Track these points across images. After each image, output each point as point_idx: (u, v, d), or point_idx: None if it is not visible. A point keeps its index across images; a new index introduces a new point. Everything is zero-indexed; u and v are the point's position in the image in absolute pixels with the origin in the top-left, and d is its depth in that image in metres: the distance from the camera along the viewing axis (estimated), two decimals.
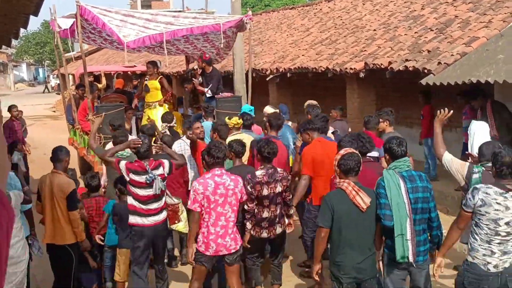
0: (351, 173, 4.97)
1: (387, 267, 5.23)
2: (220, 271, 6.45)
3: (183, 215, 6.63)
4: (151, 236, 6.22)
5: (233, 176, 5.84)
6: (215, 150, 5.81)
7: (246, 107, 9.23)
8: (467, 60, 9.14)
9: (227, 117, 8.33)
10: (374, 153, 6.75)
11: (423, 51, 10.20)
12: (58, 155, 6.26)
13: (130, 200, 6.28)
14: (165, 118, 9.62)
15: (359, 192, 4.88)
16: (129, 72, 16.09)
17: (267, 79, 14.40)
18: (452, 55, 9.52)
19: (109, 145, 8.15)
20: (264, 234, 6.27)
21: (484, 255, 4.59)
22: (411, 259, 4.99)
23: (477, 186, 4.62)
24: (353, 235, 4.93)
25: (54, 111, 32.60)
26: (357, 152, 5.21)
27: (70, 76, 20.60)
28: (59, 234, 6.14)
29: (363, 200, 4.87)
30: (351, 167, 4.95)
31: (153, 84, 11.48)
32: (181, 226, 6.65)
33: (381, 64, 10.63)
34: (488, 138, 6.14)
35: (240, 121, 8.10)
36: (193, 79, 11.47)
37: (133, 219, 6.23)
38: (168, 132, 9.05)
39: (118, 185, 6.72)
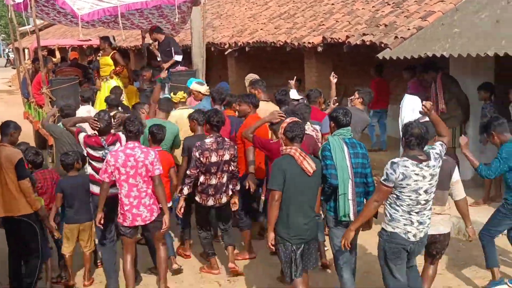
0: (296, 140, 5.31)
1: (333, 229, 5.62)
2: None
3: None
4: (111, 206, 6.24)
5: (145, 149, 6.06)
6: (129, 124, 6.04)
7: (192, 80, 9.24)
8: (423, 34, 9.23)
9: (172, 93, 8.59)
10: (316, 126, 7.21)
11: (380, 25, 10.26)
12: (3, 129, 6.24)
13: (90, 170, 6.55)
14: (114, 91, 9.89)
15: (306, 158, 5.22)
16: (84, 46, 15.86)
17: (226, 53, 14.29)
18: (408, 29, 9.60)
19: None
20: (210, 202, 6.59)
21: (405, 224, 4.90)
22: (352, 217, 5.41)
23: (395, 160, 4.84)
24: (301, 198, 5.25)
25: (10, 86, 31.76)
26: (301, 121, 5.55)
27: (26, 50, 20.06)
28: (14, 205, 6.05)
29: (310, 165, 5.20)
30: (297, 134, 5.29)
31: (105, 60, 11.53)
32: None
33: (339, 38, 10.64)
34: (417, 114, 6.28)
35: (184, 95, 8.38)
36: (154, 50, 11.46)
37: (95, 189, 6.42)
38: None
39: (63, 161, 6.69)
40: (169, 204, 6.58)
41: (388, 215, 4.96)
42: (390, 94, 11.83)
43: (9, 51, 53.97)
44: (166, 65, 11.05)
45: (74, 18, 10.89)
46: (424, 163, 4.80)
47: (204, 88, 8.78)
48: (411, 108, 6.92)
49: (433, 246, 5.47)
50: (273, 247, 5.37)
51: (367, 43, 9.94)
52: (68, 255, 6.75)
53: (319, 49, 11.23)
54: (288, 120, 5.47)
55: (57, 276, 6.90)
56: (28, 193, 6.02)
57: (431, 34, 9.09)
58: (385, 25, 10.15)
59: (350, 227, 5.12)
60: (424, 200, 4.87)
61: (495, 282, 6.16)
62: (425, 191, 4.84)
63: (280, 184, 5.18)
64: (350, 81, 12.75)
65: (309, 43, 11.30)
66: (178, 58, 11.18)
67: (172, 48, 11.18)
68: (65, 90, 10.46)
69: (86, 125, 6.91)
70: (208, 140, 6.50)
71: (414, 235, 4.93)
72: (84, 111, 9.05)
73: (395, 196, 4.87)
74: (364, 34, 10.21)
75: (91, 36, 17.91)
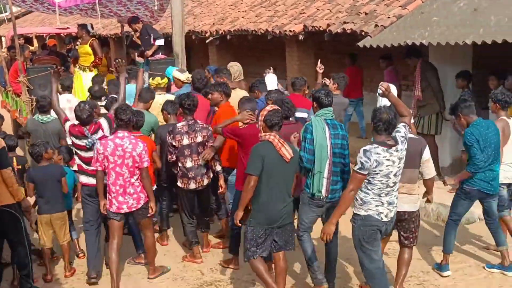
0: (275, 128, 5.44)
1: (304, 206, 5.82)
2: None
3: None
4: (96, 193, 6.41)
5: (133, 140, 6.15)
6: (120, 113, 6.14)
7: (171, 69, 9.38)
8: (403, 23, 9.30)
9: (150, 78, 8.77)
10: (303, 114, 7.38)
11: (361, 13, 10.30)
12: None
13: (77, 160, 6.66)
14: (95, 80, 9.87)
15: (284, 144, 5.38)
16: (62, 34, 15.68)
17: (207, 41, 14.24)
18: (388, 17, 9.66)
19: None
20: (192, 185, 6.70)
21: (376, 206, 5.05)
22: (324, 193, 5.64)
23: (366, 148, 4.93)
24: (277, 184, 5.39)
25: None
26: (280, 109, 5.67)
27: (3, 38, 19.85)
28: None
29: (288, 151, 5.37)
30: (276, 122, 5.42)
31: (84, 49, 11.47)
32: None
33: (320, 26, 10.67)
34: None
35: (163, 81, 8.54)
36: (136, 40, 11.43)
37: (83, 179, 6.57)
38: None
39: (31, 152, 6.71)
40: (154, 187, 6.68)
41: (359, 199, 5.07)
42: (363, 82, 11.92)
43: None
44: (149, 52, 11.01)
45: (51, 5, 10.86)
46: (393, 148, 4.94)
47: (184, 76, 8.82)
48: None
49: (400, 225, 5.63)
50: (239, 224, 5.57)
51: (348, 31, 9.99)
52: (45, 248, 6.68)
53: (300, 37, 11.24)
54: (269, 108, 5.56)
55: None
56: (11, 182, 5.85)
57: (410, 22, 9.16)
58: (366, 14, 10.20)
59: (330, 220, 5.11)
60: (392, 182, 5.04)
61: (446, 266, 6.35)
62: (395, 174, 5.02)
63: (258, 169, 5.30)
64: (331, 70, 12.77)
65: (290, 31, 11.32)
66: (160, 42, 11.11)
67: (152, 35, 11.12)
68: (42, 79, 10.27)
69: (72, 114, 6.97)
70: (179, 124, 6.70)
71: (386, 215, 5.08)
72: (64, 99, 9.01)
73: (366, 181, 4.99)
74: (344, 23, 10.24)
75: (69, 24, 17.74)
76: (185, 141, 6.63)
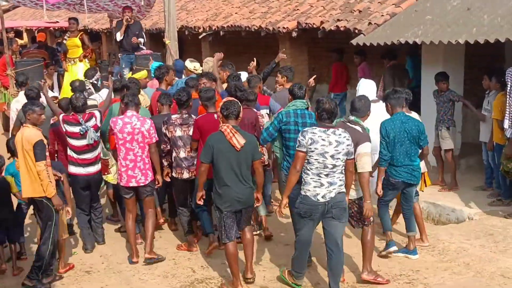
0: (230, 118, 5.90)
1: (284, 183, 6.22)
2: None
3: (113, 169, 7.33)
4: (87, 184, 7.08)
5: (141, 118, 6.80)
6: (127, 95, 7.01)
7: (155, 64, 9.60)
8: (397, 21, 9.32)
9: (130, 72, 9.27)
10: (265, 110, 7.74)
11: (355, 11, 10.30)
12: (25, 108, 6.23)
13: (68, 151, 7.05)
14: (87, 74, 9.91)
15: (235, 134, 5.80)
16: (52, 28, 15.74)
17: (200, 37, 14.19)
18: (382, 15, 9.67)
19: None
20: (186, 175, 6.95)
21: (315, 187, 5.50)
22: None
23: (305, 128, 5.62)
24: (231, 170, 5.82)
25: None
26: (236, 100, 6.19)
27: None
28: (36, 187, 6.03)
29: (238, 141, 5.78)
30: (231, 112, 5.87)
31: (74, 41, 11.65)
32: (110, 177, 7.40)
33: (313, 23, 10.67)
34: (371, 96, 6.79)
35: (142, 74, 9.04)
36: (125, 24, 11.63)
37: (72, 169, 7.00)
38: (91, 88, 9.36)
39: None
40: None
41: (302, 180, 5.58)
42: (349, 78, 12.03)
43: None
44: (137, 40, 11.46)
45: (39, 0, 11.10)
46: (331, 130, 5.47)
47: (191, 65, 9.07)
48: (365, 91, 7.02)
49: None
50: (201, 203, 6.21)
51: (341, 28, 9.99)
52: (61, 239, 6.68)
53: (294, 34, 11.24)
54: (225, 99, 6.14)
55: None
56: (42, 176, 5.95)
57: (404, 20, 9.17)
58: (359, 11, 10.20)
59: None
60: (331, 164, 5.45)
61: (391, 242, 6.74)
62: (331, 156, 5.43)
63: (207, 157, 5.87)
64: (323, 67, 12.81)
65: (283, 28, 11.31)
66: (142, 41, 11.70)
67: (142, 32, 11.65)
68: (30, 72, 10.51)
69: None
70: (174, 116, 7.00)
71: (323, 196, 5.49)
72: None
73: (306, 160, 5.49)
74: (338, 20, 10.25)
75: (60, 18, 17.68)
76: (178, 132, 6.90)
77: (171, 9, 12.02)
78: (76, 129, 6.86)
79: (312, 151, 5.40)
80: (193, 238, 7.18)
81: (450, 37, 7.86)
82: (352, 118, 5.96)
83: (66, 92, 10.12)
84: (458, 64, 9.10)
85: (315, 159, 5.42)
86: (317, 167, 5.44)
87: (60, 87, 11.91)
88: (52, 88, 10.77)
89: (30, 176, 6.02)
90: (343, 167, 5.54)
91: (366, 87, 7.25)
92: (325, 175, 5.45)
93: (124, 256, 7.07)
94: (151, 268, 6.76)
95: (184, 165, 6.92)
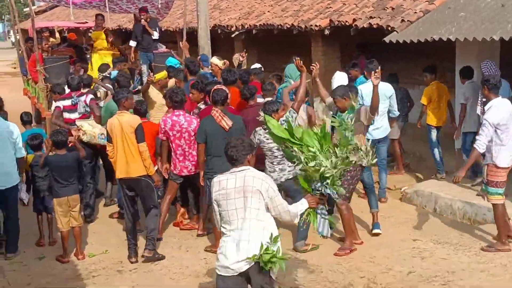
0: (218, 103, 7.01)
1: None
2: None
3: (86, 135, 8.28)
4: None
5: (188, 118, 7.42)
6: (173, 96, 7.43)
7: (171, 60, 10.18)
8: (430, 18, 9.19)
9: (151, 73, 9.76)
10: (261, 100, 8.05)
11: (387, 8, 10.21)
12: (118, 96, 6.95)
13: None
14: (100, 68, 11.10)
15: (224, 117, 6.88)
16: (80, 28, 16.55)
17: (232, 35, 14.23)
18: (415, 12, 9.55)
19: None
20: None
21: (269, 171, 6.75)
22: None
23: (256, 129, 6.84)
24: (219, 147, 6.26)
25: (15, 67, 31.71)
26: (224, 88, 7.33)
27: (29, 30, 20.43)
28: (134, 167, 6.76)
29: (226, 122, 6.85)
30: (218, 99, 7.00)
31: (98, 34, 12.66)
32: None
33: (346, 21, 10.60)
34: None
35: (163, 74, 9.47)
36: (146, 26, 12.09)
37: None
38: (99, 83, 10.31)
39: (52, 138, 7.25)
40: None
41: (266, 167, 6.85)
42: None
43: (12, 33, 54.06)
44: (152, 31, 11.91)
45: (67, 3, 12.34)
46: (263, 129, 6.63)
47: (221, 62, 9.41)
48: (339, 82, 8.10)
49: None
50: (203, 183, 7.07)
51: (374, 26, 9.91)
52: (64, 231, 7.13)
53: (326, 32, 11.19)
54: (215, 87, 7.22)
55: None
56: (145, 156, 6.77)
57: (437, 17, 9.04)
58: (392, 8, 10.10)
59: None
60: (280, 155, 6.70)
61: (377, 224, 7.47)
62: (277, 149, 6.57)
63: (202, 138, 6.94)
64: None
65: (316, 26, 11.26)
66: (155, 36, 12.12)
67: (157, 28, 12.27)
68: (57, 68, 11.56)
69: None
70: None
71: (276, 179, 6.57)
72: None
73: (264, 153, 6.85)
74: (371, 17, 10.16)
75: (91, 18, 18.12)
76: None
77: (204, 8, 12.12)
78: (68, 102, 8.66)
79: (265, 147, 6.81)
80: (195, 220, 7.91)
81: (485, 34, 7.72)
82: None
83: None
84: (493, 61, 8.90)
85: (266, 153, 6.87)
86: (270, 158, 6.86)
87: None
88: None
89: (128, 158, 6.73)
90: None
91: (340, 78, 8.51)
92: (277, 163, 6.85)
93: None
94: (182, 267, 6.84)
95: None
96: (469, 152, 7.73)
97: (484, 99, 7.51)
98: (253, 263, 4.41)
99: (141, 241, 7.18)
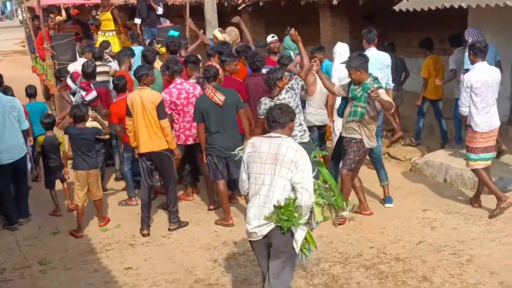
0: (211, 79, 7.11)
1: None
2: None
3: None
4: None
5: (191, 83, 7.63)
6: (171, 64, 7.64)
7: (172, 32, 10.32)
8: None
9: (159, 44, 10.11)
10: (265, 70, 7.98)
11: None
12: (139, 72, 6.90)
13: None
14: (102, 44, 10.84)
15: (216, 93, 6.94)
16: (87, 5, 16.51)
17: (239, 8, 14.08)
18: None
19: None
20: (190, 141, 7.68)
21: None
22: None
23: (260, 100, 6.74)
24: (216, 123, 6.95)
25: (24, 46, 31.63)
26: (216, 65, 7.41)
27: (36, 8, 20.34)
28: (156, 142, 6.83)
29: (218, 98, 6.91)
30: (210, 75, 7.11)
31: (106, 15, 12.36)
32: None
33: None
34: (343, 57, 7.75)
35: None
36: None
37: None
38: (109, 57, 10.09)
39: (73, 112, 7.34)
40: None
41: None
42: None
43: (20, 11, 53.87)
44: (156, 7, 11.94)
45: None
46: (275, 98, 6.56)
47: (222, 36, 9.54)
48: (339, 52, 8.24)
49: None
50: (206, 160, 7.13)
51: None
52: (80, 205, 7.19)
53: (334, 2, 11.02)
54: (206, 65, 7.43)
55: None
56: (167, 132, 6.87)
57: None
58: None
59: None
60: None
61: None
62: None
63: (199, 117, 7.01)
64: None
65: None
66: (160, 12, 12.13)
67: (160, 3, 12.25)
68: (63, 45, 11.69)
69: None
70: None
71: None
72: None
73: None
74: None
75: None
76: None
77: None
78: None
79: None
80: (191, 190, 8.11)
81: (498, 0, 7.55)
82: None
83: None
84: (507, 30, 8.75)
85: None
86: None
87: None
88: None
89: (150, 132, 6.79)
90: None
91: (340, 48, 8.31)
92: None
93: (166, 229, 7.17)
94: (193, 240, 6.85)
95: (187, 132, 7.66)
96: (458, 118, 8.10)
97: (467, 67, 7.67)
98: (273, 225, 4.42)
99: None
